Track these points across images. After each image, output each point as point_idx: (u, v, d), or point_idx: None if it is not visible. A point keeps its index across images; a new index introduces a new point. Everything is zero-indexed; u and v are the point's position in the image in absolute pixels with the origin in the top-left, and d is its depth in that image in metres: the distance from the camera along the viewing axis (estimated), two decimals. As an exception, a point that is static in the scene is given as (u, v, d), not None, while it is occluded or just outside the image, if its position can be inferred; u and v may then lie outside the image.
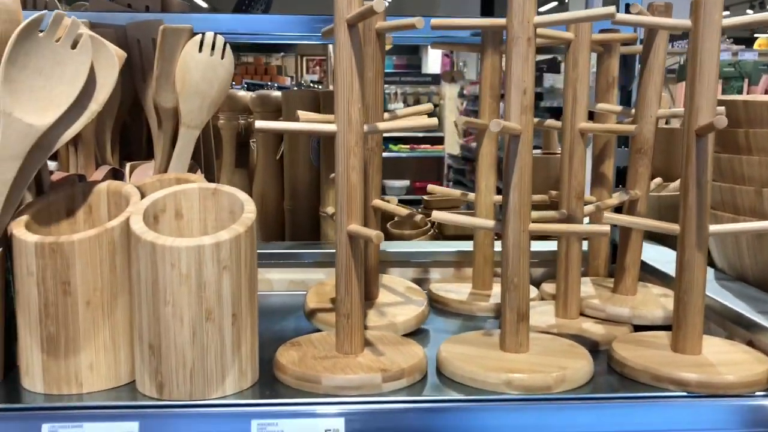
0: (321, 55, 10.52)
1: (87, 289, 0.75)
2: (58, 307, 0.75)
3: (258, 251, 1.22)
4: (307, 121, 0.88)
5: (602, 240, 1.15)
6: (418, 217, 0.93)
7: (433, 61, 10.10)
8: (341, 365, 0.79)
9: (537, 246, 1.29)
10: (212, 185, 0.85)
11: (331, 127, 0.81)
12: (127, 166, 1.11)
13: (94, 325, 0.76)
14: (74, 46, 0.77)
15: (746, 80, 3.90)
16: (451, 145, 7.32)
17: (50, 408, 0.73)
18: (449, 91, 8.16)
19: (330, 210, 0.94)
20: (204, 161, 1.28)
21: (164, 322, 0.73)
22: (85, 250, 0.75)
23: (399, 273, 1.23)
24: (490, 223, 0.85)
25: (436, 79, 9.11)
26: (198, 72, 1.02)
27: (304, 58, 11.11)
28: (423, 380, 0.81)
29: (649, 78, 1.00)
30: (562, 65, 7.11)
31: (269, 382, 0.80)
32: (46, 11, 0.75)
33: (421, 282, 1.21)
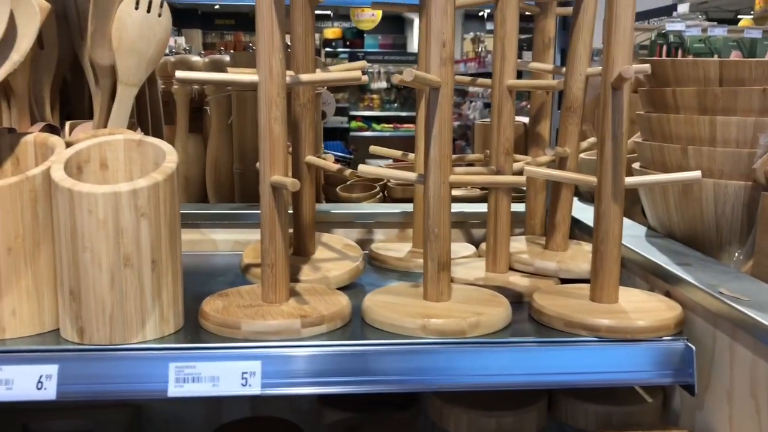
0: (304, 32, 10.42)
1: (8, 236, 0.76)
2: (-22, 253, 0.76)
3: (203, 212, 1.25)
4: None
5: (538, 199, 1.17)
6: (347, 172, 0.95)
7: (416, 39, 10.07)
8: (262, 312, 0.81)
9: (476, 207, 1.32)
10: (137, 136, 0.86)
11: (252, 77, 0.82)
12: (67, 124, 1.11)
13: (15, 271, 0.77)
14: (-7, -5, 0.78)
15: (716, 56, 3.93)
16: (432, 123, 7.29)
17: (-35, 351, 0.74)
18: (431, 69, 8.11)
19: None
20: (152, 124, 1.28)
21: (83, 267, 0.75)
22: (6, 198, 0.75)
23: (343, 234, 1.24)
24: (412, 175, 0.87)
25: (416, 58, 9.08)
26: (135, 30, 1.02)
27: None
28: (344, 327, 0.83)
29: (578, 36, 1.01)
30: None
31: (193, 330, 0.82)
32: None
33: (364, 243, 1.23)
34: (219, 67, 1.56)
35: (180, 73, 0.80)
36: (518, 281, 0.98)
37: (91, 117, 1.17)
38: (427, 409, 0.94)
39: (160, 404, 1.26)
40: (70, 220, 0.74)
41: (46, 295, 0.79)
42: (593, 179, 0.86)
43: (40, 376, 0.73)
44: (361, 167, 0.88)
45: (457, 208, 1.27)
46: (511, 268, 1.03)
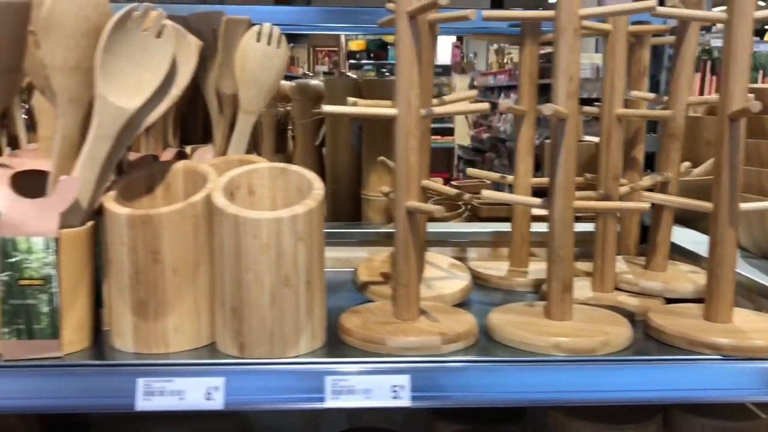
0: (332, 46, 10.56)
1: (174, 257, 0.82)
2: (148, 274, 0.82)
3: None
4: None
5: (633, 220, 1.21)
6: (467, 196, 1.00)
7: (443, 52, 10.13)
8: (402, 329, 0.87)
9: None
10: (281, 165, 0.92)
11: (392, 111, 0.88)
12: (188, 149, 1.18)
13: (179, 291, 0.83)
14: (158, 35, 0.84)
15: (761, 72, 3.95)
16: (462, 137, 7.36)
17: (145, 364, 0.81)
18: (460, 83, 8.19)
19: (385, 189, 1.01)
20: (253, 146, 1.35)
21: (246, 287, 0.81)
22: (173, 222, 0.82)
23: (437, 252, 1.30)
24: (536, 200, 0.92)
25: (446, 71, 9.12)
26: (256, 61, 1.09)
27: (315, 49, 11.16)
28: (476, 344, 0.89)
29: (681, 67, 1.06)
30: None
31: (336, 344, 0.88)
32: (135, 4, 0.82)
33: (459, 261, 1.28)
34: (305, 90, 1.63)
35: (329, 108, 0.87)
36: (627, 301, 1.02)
37: (203, 142, 1.25)
38: (545, 423, 0.99)
39: (262, 415, 1.32)
40: (235, 243, 0.81)
41: (203, 313, 0.86)
42: (709, 205, 0.90)
43: (208, 388, 0.79)
44: (485, 192, 0.93)
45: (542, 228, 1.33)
46: (616, 288, 1.08)
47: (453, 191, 1.01)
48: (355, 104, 0.95)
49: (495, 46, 9.64)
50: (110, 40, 0.80)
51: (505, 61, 9.76)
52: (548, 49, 1.21)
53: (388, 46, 9.92)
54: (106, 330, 0.90)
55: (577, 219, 1.47)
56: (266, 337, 0.82)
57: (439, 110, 0.90)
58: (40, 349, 0.81)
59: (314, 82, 1.65)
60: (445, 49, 10.04)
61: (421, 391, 0.80)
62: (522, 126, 1.17)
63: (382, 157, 1.18)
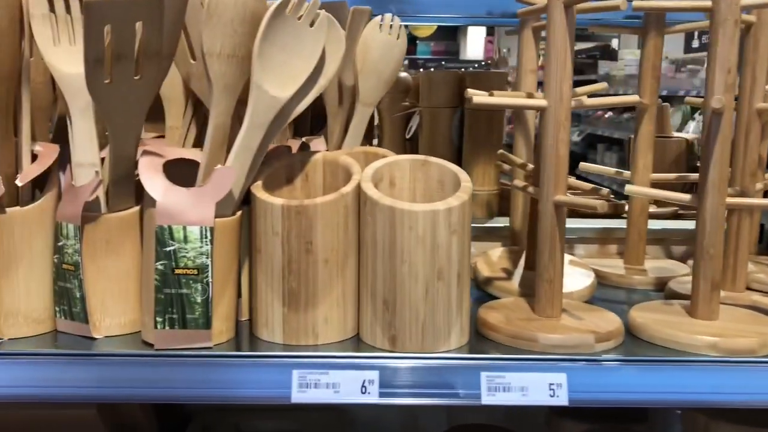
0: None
1: (326, 248, 0.82)
2: (300, 264, 0.81)
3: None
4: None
5: (755, 218, 1.18)
6: (604, 191, 0.98)
7: (473, 46, 10.03)
8: (550, 326, 0.85)
9: (675, 224, 1.34)
10: (422, 157, 0.91)
11: (542, 102, 0.86)
12: (303, 139, 1.18)
13: (330, 281, 0.82)
14: (311, 24, 0.83)
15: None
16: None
17: (300, 356, 0.80)
18: (498, 78, 8.09)
19: (519, 183, 0.99)
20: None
21: (400, 279, 0.80)
22: (326, 213, 0.81)
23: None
24: (686, 196, 0.89)
25: (480, 66, 9.03)
26: (377, 51, 1.07)
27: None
28: (623, 343, 0.86)
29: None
30: (619, 53, 7.02)
31: (481, 340, 0.86)
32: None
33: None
34: (397, 83, 1.61)
35: (479, 99, 0.85)
36: (763, 300, 0.99)
37: (310, 134, 1.24)
38: (682, 424, 0.97)
39: (361, 409, 1.31)
40: (390, 235, 0.79)
41: (350, 304, 0.85)
42: None
43: (364, 381, 0.78)
44: (629, 188, 0.91)
45: (658, 225, 1.30)
46: (747, 287, 1.05)
47: (588, 186, 0.99)
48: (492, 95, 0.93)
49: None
50: (268, 28, 0.79)
51: (537, 54, 9.61)
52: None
53: (417, 41, 9.81)
54: (243, 320, 0.89)
55: (679, 216, 1.44)
56: (418, 331, 0.81)
57: (589, 102, 0.88)
58: (192, 339, 0.80)
59: (403, 74, 1.64)
60: (474, 44, 9.93)
61: (577, 389, 0.79)
62: (642, 121, 1.14)
63: (501, 151, 1.16)
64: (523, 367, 0.79)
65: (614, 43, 7.39)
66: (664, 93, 5.56)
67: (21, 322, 0.84)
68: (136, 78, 0.76)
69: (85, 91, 0.81)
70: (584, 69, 7.29)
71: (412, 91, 1.62)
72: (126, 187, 0.84)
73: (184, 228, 0.79)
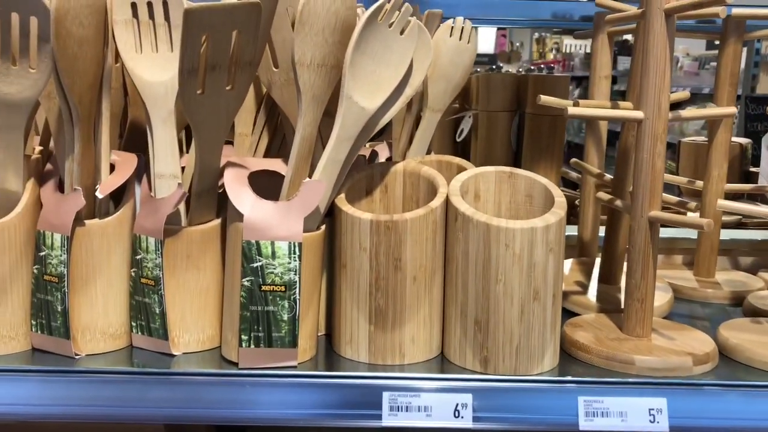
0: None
1: (415, 265, 0.79)
2: (388, 281, 0.78)
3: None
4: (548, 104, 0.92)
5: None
6: (692, 204, 0.95)
7: (484, 41, 9.91)
8: (645, 348, 0.82)
9: (741, 234, 1.30)
10: (508, 168, 0.87)
11: (638, 114, 0.83)
12: (367, 145, 1.15)
13: (417, 299, 0.80)
14: (401, 31, 0.80)
15: None
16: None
17: (391, 377, 0.77)
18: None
19: (604, 196, 0.96)
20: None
21: (494, 299, 0.77)
22: (416, 228, 0.78)
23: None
24: (783, 213, 0.86)
25: (492, 59, 8.94)
26: (447, 56, 1.04)
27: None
28: (718, 365, 0.83)
29: None
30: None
31: (569, 360, 0.83)
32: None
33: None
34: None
35: (573, 110, 0.82)
36: None
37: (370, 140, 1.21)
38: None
39: None
40: (484, 252, 0.76)
41: (436, 323, 0.82)
42: None
43: (457, 404, 0.75)
44: (722, 203, 0.87)
45: (725, 236, 1.26)
46: (831, 304, 1.01)
47: (673, 198, 0.96)
48: (577, 105, 0.90)
49: (536, 35, 9.41)
50: (360, 37, 0.76)
51: (547, 49, 9.51)
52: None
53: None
54: (319, 335, 0.87)
55: (742, 225, 1.41)
56: (512, 353, 0.78)
57: (687, 114, 0.84)
58: (277, 358, 0.78)
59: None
60: (485, 38, 9.82)
61: (678, 415, 0.75)
62: (719, 129, 1.11)
63: (575, 159, 1.13)
64: (622, 391, 0.76)
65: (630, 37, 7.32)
66: (689, 90, 5.46)
67: (98, 337, 0.81)
68: (227, 88, 0.73)
69: (168, 100, 0.78)
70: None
71: (461, 93, 1.59)
72: (209, 200, 0.81)
73: (272, 243, 0.76)
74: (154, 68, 0.78)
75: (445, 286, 0.82)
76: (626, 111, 0.85)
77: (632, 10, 0.95)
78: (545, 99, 1.00)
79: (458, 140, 1.62)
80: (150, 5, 0.77)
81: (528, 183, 0.86)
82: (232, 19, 0.68)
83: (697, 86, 5.37)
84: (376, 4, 0.77)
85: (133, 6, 0.77)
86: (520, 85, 1.40)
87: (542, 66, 8.48)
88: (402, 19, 0.79)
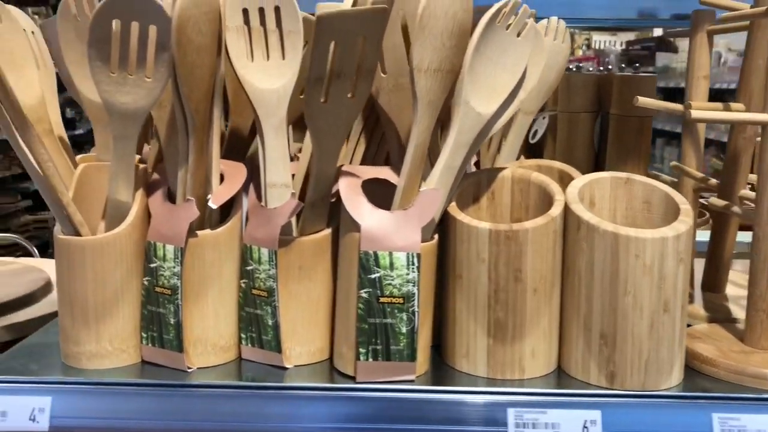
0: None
1: (535, 276, 0.76)
2: (508, 293, 0.76)
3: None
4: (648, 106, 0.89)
5: None
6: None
7: None
8: (777, 361, 0.78)
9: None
10: (624, 174, 0.84)
11: (761, 117, 0.79)
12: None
13: (538, 312, 0.77)
14: (517, 34, 0.78)
15: None
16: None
17: (515, 393, 0.74)
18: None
19: (718, 202, 0.92)
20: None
21: (622, 312, 0.74)
22: (536, 238, 0.75)
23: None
24: None
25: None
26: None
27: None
28: None
29: None
30: (679, 44, 6.85)
31: (692, 374, 0.80)
32: (502, 1, 0.75)
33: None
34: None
35: (697, 113, 0.78)
36: None
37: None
38: None
39: None
40: (612, 263, 0.73)
41: (554, 336, 0.79)
42: None
43: (585, 421, 0.72)
44: None
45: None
46: None
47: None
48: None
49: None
50: (480, 41, 0.74)
51: (579, 46, 9.36)
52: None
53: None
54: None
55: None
56: (641, 367, 0.74)
57: (816, 116, 0.80)
58: (395, 372, 0.76)
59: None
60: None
61: (818, 434, 0.72)
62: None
63: (675, 163, 1.09)
64: (761, 408, 0.73)
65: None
66: (734, 86, 5.38)
67: (209, 350, 0.80)
68: (348, 96, 0.71)
69: (280, 108, 0.77)
70: (641, 61, 7.08)
71: (561, 95, 1.55)
72: (322, 209, 0.79)
73: (390, 254, 0.74)
74: (265, 76, 0.76)
75: (564, 297, 0.79)
76: (752, 114, 0.81)
77: (745, 7, 0.91)
78: (643, 101, 0.97)
79: (532, 142, 1.59)
80: (262, 11, 0.76)
81: (646, 189, 0.83)
82: (360, 25, 0.66)
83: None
84: (495, 7, 0.74)
85: (245, 12, 0.75)
86: (602, 85, 1.36)
87: (576, 63, 8.35)
88: (519, 22, 0.77)
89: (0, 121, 0.73)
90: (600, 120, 1.37)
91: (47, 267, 1.39)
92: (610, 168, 1.33)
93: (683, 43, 6.84)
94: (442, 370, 0.81)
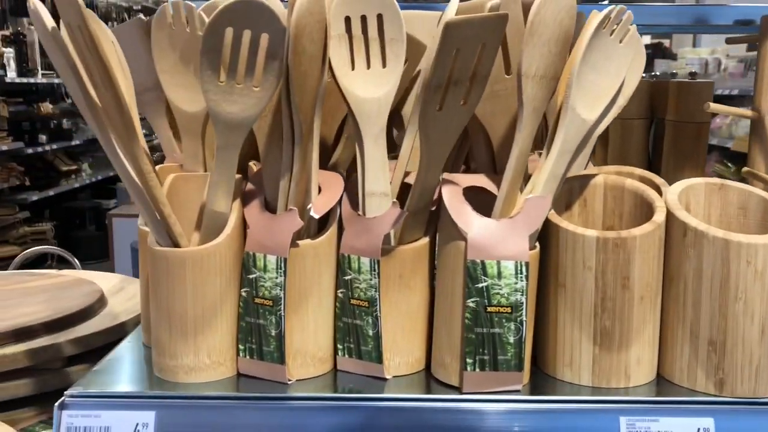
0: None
1: (642, 283, 0.75)
2: (615, 301, 0.75)
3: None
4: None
5: None
6: None
7: None
8: None
9: None
10: (719, 180, 0.84)
11: None
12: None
13: (644, 319, 0.76)
14: (620, 40, 0.77)
15: None
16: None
17: (626, 401, 0.74)
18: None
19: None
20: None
21: (732, 318, 0.73)
22: (644, 245, 0.75)
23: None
24: None
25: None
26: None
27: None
28: None
29: None
30: (678, 51, 6.88)
31: (794, 381, 0.79)
32: (611, 6, 0.75)
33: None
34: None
35: (715, 106, 0.79)
36: None
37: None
38: None
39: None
40: (722, 269, 0.73)
41: (656, 343, 0.78)
42: None
43: (699, 429, 0.72)
44: None
45: None
46: None
47: None
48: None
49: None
50: (588, 48, 0.73)
51: None
52: None
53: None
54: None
55: None
56: (752, 374, 0.74)
57: None
58: (502, 382, 0.75)
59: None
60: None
61: None
62: None
63: (747, 168, 1.09)
64: None
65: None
66: (735, 93, 5.40)
67: (309, 362, 0.79)
68: (461, 104, 0.71)
69: (380, 116, 0.76)
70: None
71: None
72: (422, 218, 0.78)
73: (498, 263, 0.73)
74: (367, 85, 0.76)
75: (667, 304, 0.78)
76: None
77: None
78: (714, 107, 0.97)
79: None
80: (364, 19, 0.75)
81: (742, 195, 0.83)
82: (483, 31, 0.66)
83: (744, 88, 5.28)
84: (602, 14, 0.74)
85: (347, 20, 0.75)
86: (655, 92, 1.36)
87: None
88: (623, 28, 0.76)
89: (98, 127, 0.72)
90: (654, 127, 1.37)
91: (94, 279, 1.37)
92: (666, 174, 1.33)
93: (681, 50, 6.89)
94: (542, 379, 0.80)
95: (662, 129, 1.34)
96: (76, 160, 5.55)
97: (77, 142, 5.42)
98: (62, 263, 2.34)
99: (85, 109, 0.71)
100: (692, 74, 6.09)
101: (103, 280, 1.37)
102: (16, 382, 1.03)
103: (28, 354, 1.03)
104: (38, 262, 3.17)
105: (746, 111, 1.05)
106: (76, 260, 1.67)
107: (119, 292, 1.33)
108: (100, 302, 1.24)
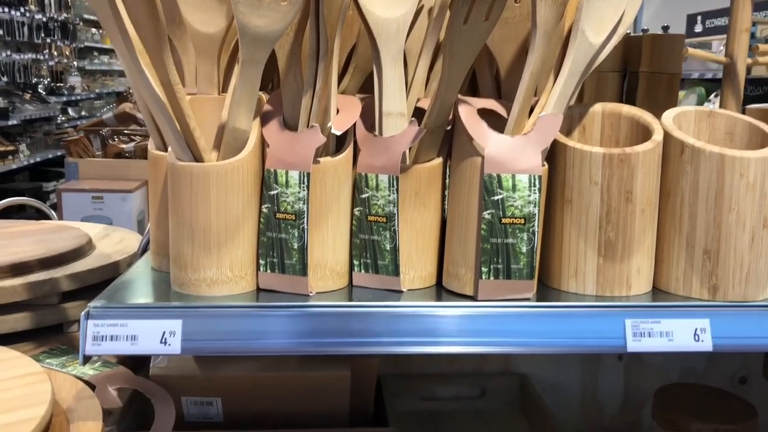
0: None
1: (644, 197, 0.81)
2: (619, 213, 0.80)
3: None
4: None
5: None
6: None
7: None
8: None
9: None
10: (707, 108, 0.90)
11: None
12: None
13: (644, 231, 0.82)
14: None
15: None
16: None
17: (631, 306, 0.79)
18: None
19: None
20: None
21: (725, 228, 0.79)
22: (646, 161, 0.80)
23: None
24: None
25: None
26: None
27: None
28: None
29: None
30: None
31: (777, 291, 0.86)
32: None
33: None
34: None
35: (693, 51, 0.84)
36: None
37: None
38: None
39: (542, 372, 1.31)
40: (716, 183, 0.79)
41: (651, 255, 0.84)
42: None
43: (696, 329, 0.78)
44: None
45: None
46: None
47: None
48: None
49: None
50: (597, -28, 0.78)
51: None
52: None
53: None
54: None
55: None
56: (742, 280, 0.80)
57: None
58: (515, 290, 0.79)
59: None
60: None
61: None
62: None
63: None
64: None
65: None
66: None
67: (328, 275, 0.81)
68: (484, 21, 0.74)
69: (399, 36, 0.79)
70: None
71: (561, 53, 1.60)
72: (437, 137, 0.82)
73: (513, 177, 0.77)
74: (386, 4, 0.78)
75: (663, 218, 0.84)
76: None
77: None
78: (693, 52, 1.03)
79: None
80: (384, -60, 0.77)
81: (729, 121, 0.89)
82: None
83: (685, 71, 5.48)
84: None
85: (369, -59, 0.77)
86: (628, 46, 1.42)
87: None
88: (627, -43, 0.81)
89: (122, 38, 0.72)
90: (627, 79, 1.43)
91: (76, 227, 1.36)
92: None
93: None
94: (548, 291, 0.85)
95: (635, 81, 1.40)
96: (14, 141, 5.34)
97: (15, 122, 5.21)
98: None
99: (109, 19, 0.71)
100: (664, 28, 6.26)
101: (85, 229, 1.36)
102: (15, 315, 1.03)
103: (26, 287, 1.03)
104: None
105: (720, 57, 1.12)
106: (53, 212, 1.64)
107: (104, 238, 1.32)
108: (89, 245, 1.24)
